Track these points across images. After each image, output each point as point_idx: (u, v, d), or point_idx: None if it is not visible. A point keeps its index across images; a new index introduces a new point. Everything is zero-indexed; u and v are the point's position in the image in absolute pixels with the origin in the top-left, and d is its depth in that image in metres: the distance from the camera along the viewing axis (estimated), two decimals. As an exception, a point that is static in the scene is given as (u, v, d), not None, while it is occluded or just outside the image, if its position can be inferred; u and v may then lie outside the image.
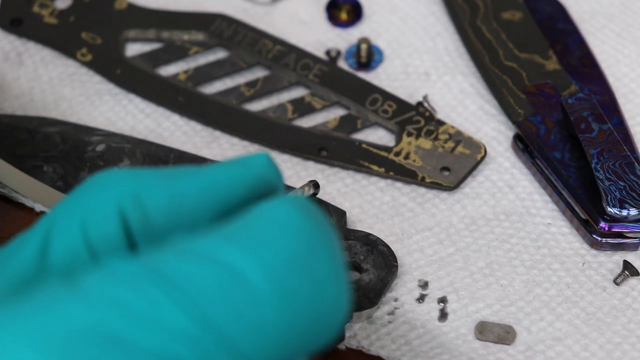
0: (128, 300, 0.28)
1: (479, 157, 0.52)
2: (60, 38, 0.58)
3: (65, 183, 0.51)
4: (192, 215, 0.32)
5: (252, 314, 0.29)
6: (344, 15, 0.59)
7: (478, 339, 0.46)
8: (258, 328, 0.29)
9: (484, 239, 0.50)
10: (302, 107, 0.55)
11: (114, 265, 0.29)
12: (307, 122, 0.55)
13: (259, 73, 0.57)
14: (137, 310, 0.28)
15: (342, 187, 0.52)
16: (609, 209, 0.48)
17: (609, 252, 0.49)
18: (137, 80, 0.56)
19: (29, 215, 0.51)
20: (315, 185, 0.47)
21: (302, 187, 0.46)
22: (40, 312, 0.28)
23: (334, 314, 0.31)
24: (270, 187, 0.34)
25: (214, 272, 0.29)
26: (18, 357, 0.27)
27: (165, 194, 0.32)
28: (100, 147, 0.52)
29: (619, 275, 0.48)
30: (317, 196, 0.51)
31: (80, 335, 0.27)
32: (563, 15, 0.59)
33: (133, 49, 0.58)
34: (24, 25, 0.58)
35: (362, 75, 0.57)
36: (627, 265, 0.49)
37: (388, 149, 0.53)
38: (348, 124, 0.54)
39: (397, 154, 0.53)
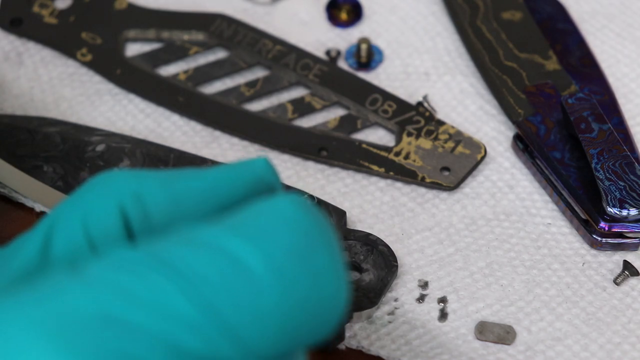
0: (132, 286, 0.28)
1: (479, 157, 0.52)
2: (60, 38, 0.58)
3: (65, 183, 0.51)
4: (193, 214, 0.33)
5: (254, 303, 0.29)
6: (344, 15, 0.59)
7: (478, 339, 0.46)
8: (260, 317, 0.29)
9: (484, 239, 0.50)
10: (302, 107, 0.55)
11: (117, 254, 0.29)
12: (307, 122, 0.55)
13: (259, 73, 0.57)
14: (141, 296, 0.28)
15: (342, 187, 0.52)
16: (609, 209, 0.48)
17: (609, 252, 0.49)
18: (137, 80, 0.56)
19: (29, 215, 0.51)
20: (311, 198, 0.47)
21: None
22: (44, 299, 0.28)
23: (333, 307, 0.31)
24: (269, 189, 0.34)
25: (216, 261, 0.29)
26: (24, 344, 0.27)
27: (166, 193, 0.32)
28: (100, 147, 0.52)
29: (619, 275, 0.48)
30: (318, 196, 0.51)
31: (84, 320, 0.27)
32: (563, 15, 0.59)
33: (133, 49, 0.58)
34: (24, 25, 0.58)
35: (362, 75, 0.57)
36: (627, 265, 0.49)
37: (388, 149, 0.53)
38: (348, 124, 0.54)
39: (397, 154, 0.53)
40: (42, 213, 0.51)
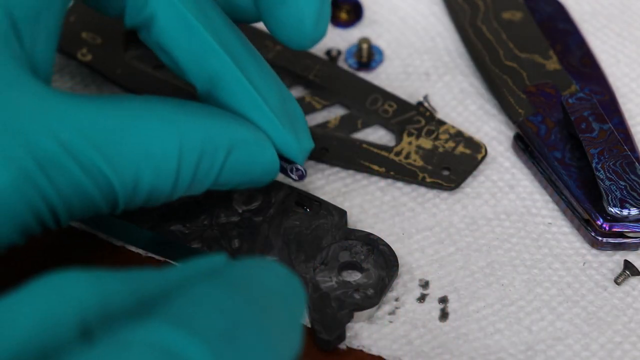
0: None
1: (479, 157, 0.52)
2: (60, 38, 0.58)
3: (66, 183, 0.51)
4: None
5: None
6: (344, 15, 0.59)
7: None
8: None
9: (484, 238, 0.50)
10: (302, 107, 0.55)
11: None
12: (307, 122, 0.55)
13: (259, 73, 0.57)
14: None
15: (342, 187, 0.52)
16: (610, 208, 0.48)
17: (610, 251, 0.49)
18: (138, 80, 0.56)
19: (29, 215, 0.51)
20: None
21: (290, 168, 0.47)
22: None
23: None
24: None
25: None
26: None
27: (133, 299, 0.32)
28: (100, 147, 0.52)
29: (620, 274, 0.48)
30: (319, 196, 0.51)
31: None
32: (563, 15, 0.59)
33: (133, 49, 0.58)
34: (24, 25, 0.58)
35: (363, 75, 0.57)
36: (627, 264, 0.49)
37: (388, 149, 0.53)
38: (348, 124, 0.54)
39: (398, 153, 0.53)
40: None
